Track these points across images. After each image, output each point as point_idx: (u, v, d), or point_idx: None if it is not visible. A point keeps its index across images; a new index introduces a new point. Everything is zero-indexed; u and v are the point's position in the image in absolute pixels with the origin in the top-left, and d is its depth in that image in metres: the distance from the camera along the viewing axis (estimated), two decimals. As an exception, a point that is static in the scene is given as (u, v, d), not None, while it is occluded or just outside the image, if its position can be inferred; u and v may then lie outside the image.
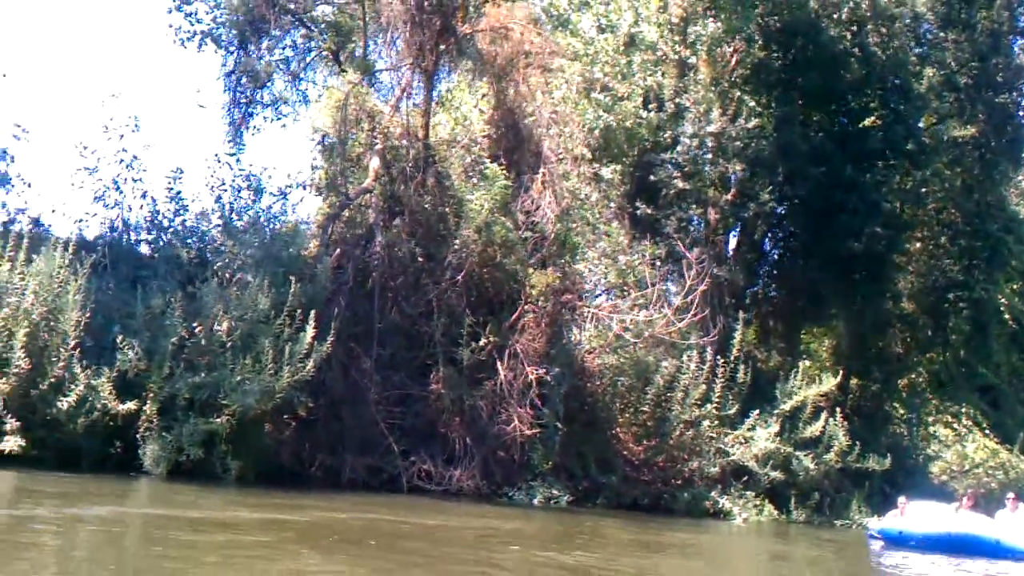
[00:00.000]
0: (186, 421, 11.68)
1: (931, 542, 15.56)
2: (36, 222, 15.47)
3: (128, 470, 11.62)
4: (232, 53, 18.62)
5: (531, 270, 15.74)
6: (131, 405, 11.48)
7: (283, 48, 19.46)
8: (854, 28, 21.91)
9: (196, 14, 19.43)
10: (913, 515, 16.31)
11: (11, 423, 10.22)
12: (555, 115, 17.57)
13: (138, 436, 11.60)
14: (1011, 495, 17.53)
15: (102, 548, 6.86)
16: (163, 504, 10.11)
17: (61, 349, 10.82)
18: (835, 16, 21.70)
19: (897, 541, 15.93)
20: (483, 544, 9.82)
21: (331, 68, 19.46)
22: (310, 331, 12.48)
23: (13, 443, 10.06)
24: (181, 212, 14.69)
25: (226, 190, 14.98)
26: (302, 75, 19.84)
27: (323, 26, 19.13)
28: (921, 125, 22.73)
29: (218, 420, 11.88)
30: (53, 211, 14.36)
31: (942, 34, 23.01)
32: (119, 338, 11.64)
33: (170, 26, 19.59)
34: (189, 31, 19.55)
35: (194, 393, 11.87)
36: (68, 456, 11.05)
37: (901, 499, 17.20)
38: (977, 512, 16.81)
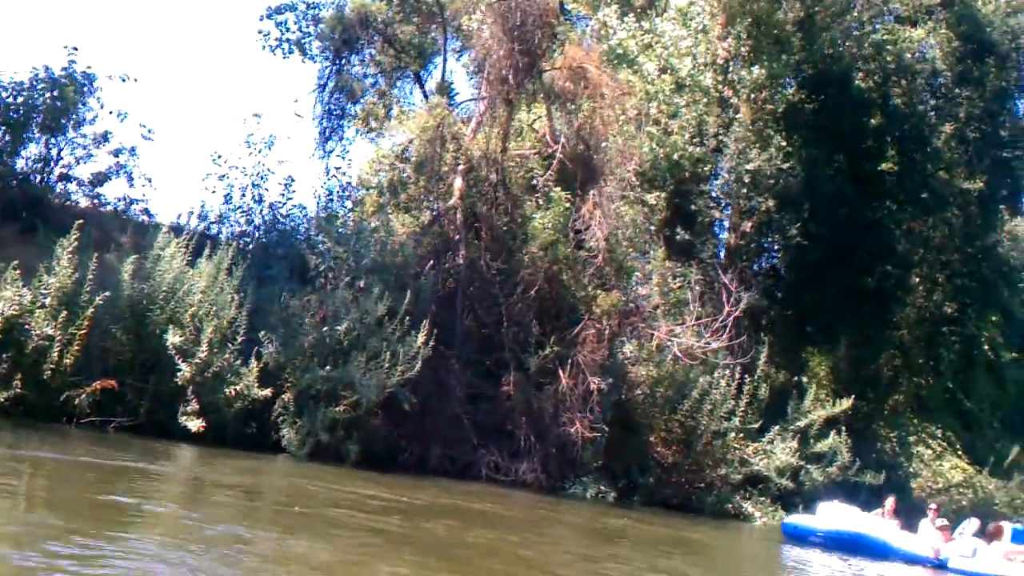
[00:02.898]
0: (317, 409, 13.43)
1: (826, 539, 16.72)
2: (147, 212, 17.32)
3: (261, 448, 13.34)
4: (326, 67, 20.18)
5: (599, 291, 17.59)
6: (268, 392, 13.19)
7: (372, 66, 21.14)
8: (879, 80, 23.97)
9: (286, 23, 21.04)
10: (821, 514, 17.47)
11: (193, 405, 11.95)
12: (613, 145, 19.38)
13: (276, 420, 13.35)
14: (933, 505, 19.07)
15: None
16: (306, 477, 12.00)
17: (228, 343, 12.51)
18: (864, 67, 23.76)
19: (795, 536, 17.05)
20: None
21: (412, 88, 21.18)
22: (421, 336, 14.30)
23: (198, 424, 11.80)
24: (297, 219, 16.43)
25: (332, 200, 16.70)
26: (388, 92, 21.57)
27: (407, 47, 20.79)
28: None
29: (337, 409, 13.64)
30: (191, 213, 15.89)
31: (956, 90, 25.11)
32: (261, 333, 13.37)
33: (259, 32, 21.23)
34: (277, 38, 21.18)
35: (322, 385, 13.62)
36: (216, 434, 12.73)
37: (824, 503, 18.21)
38: (896, 519, 18.03)
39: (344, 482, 12.14)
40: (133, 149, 16.57)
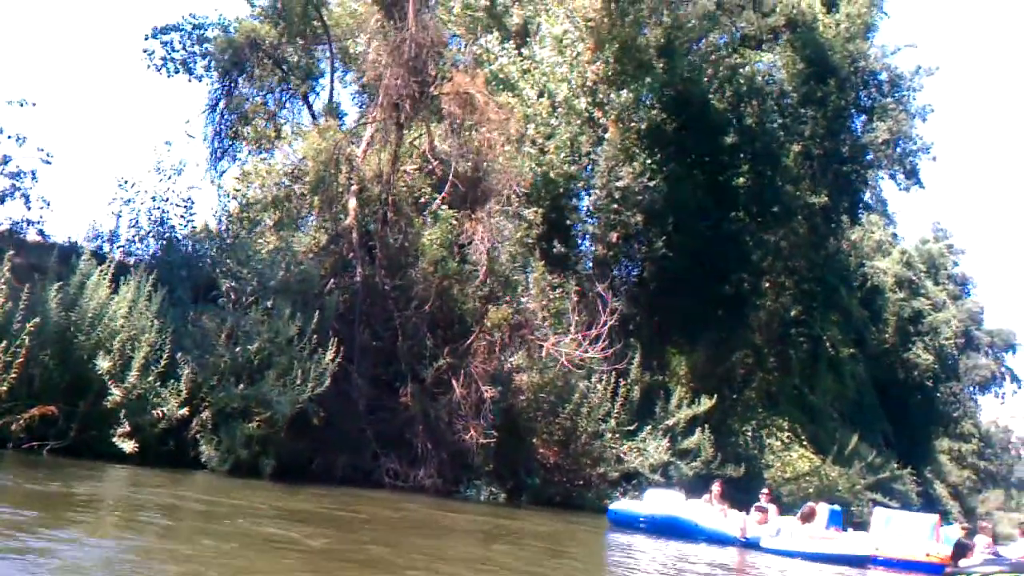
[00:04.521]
0: (235, 426, 14.11)
1: (648, 523, 17.41)
2: (41, 232, 17.59)
3: (179, 465, 13.90)
4: (216, 88, 20.61)
5: (489, 305, 18.70)
6: (185, 411, 13.78)
7: (261, 87, 21.67)
8: (733, 101, 25.93)
9: (172, 43, 21.38)
10: (646, 500, 18.32)
11: (125, 426, 12.50)
12: (494, 164, 20.51)
13: (195, 437, 13.95)
14: (765, 490, 20.56)
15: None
16: (222, 493, 12.51)
17: (152, 367, 13.08)
18: (720, 89, 25.66)
19: (620, 522, 17.75)
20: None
21: (301, 109, 21.84)
22: (330, 354, 15.15)
23: (132, 445, 12.37)
24: (198, 241, 16.93)
25: (233, 222, 17.27)
26: (278, 114, 22.16)
27: (294, 68, 21.43)
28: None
29: (252, 426, 14.35)
30: (98, 237, 16.19)
31: (802, 109, 27.34)
32: (178, 355, 13.94)
33: (144, 51, 21.49)
34: (163, 58, 21.50)
35: (238, 403, 14.30)
36: (141, 454, 13.14)
37: (650, 490, 19.37)
38: (724, 503, 18.84)
39: (249, 494, 12.53)
40: (34, 173, 16.74)
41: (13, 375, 11.60)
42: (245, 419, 14.31)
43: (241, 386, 14.45)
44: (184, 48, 21.61)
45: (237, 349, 14.74)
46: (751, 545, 17.72)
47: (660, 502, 17.97)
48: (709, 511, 18.33)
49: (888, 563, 17.83)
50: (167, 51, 21.34)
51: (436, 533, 13.09)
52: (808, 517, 18.39)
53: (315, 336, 15.47)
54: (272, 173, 20.61)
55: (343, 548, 9.59)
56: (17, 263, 14.90)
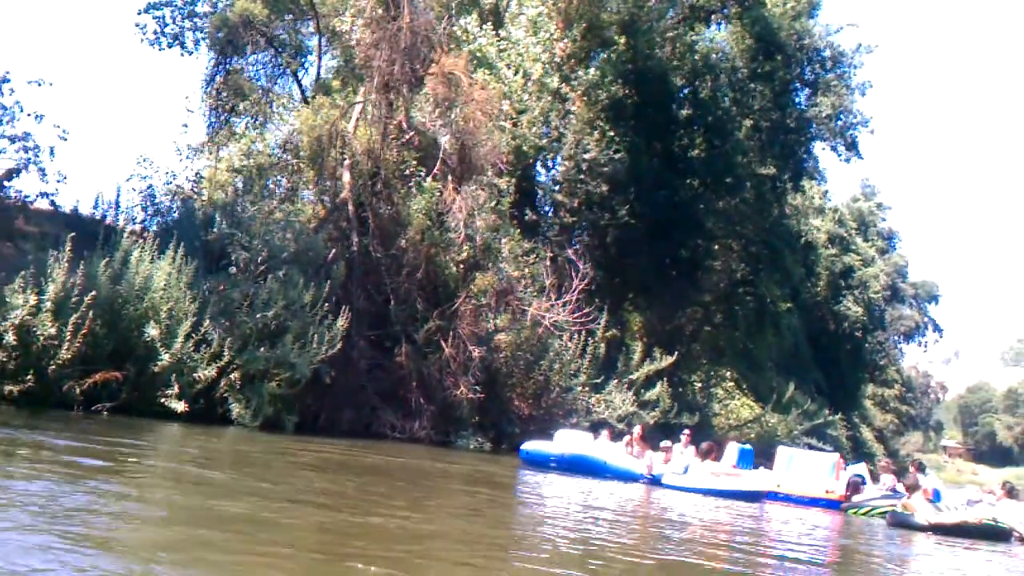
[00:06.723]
0: (260, 386, 15.61)
1: (559, 462, 17.75)
2: (52, 203, 18.76)
3: (209, 422, 15.36)
4: (212, 64, 21.70)
5: (475, 272, 20.30)
6: (213, 372, 15.23)
7: (255, 65, 22.82)
8: (689, 76, 27.64)
9: (164, 18, 22.42)
10: (557, 440, 18.45)
11: (175, 388, 13.93)
12: (478, 139, 21.96)
13: (223, 397, 15.42)
14: (687, 431, 21.07)
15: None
16: (254, 443, 14.00)
17: (193, 334, 14.51)
18: (677, 65, 27.33)
19: (531, 461, 18.05)
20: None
21: (291, 84, 23.02)
22: (341, 320, 16.69)
23: (182, 405, 13.82)
24: (208, 211, 18.22)
25: (240, 195, 18.57)
26: (270, 90, 23.28)
27: (284, 46, 22.59)
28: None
29: (272, 385, 15.86)
30: (118, 208, 17.42)
31: (751, 84, 29.14)
32: (207, 321, 15.34)
33: (137, 25, 22.49)
34: (155, 32, 22.52)
35: (263, 364, 15.78)
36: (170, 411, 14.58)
37: (561, 431, 19.38)
38: (644, 444, 19.37)
39: (265, 444, 13.77)
40: (52, 149, 17.83)
41: (78, 344, 12.96)
42: (270, 380, 15.81)
43: (263, 349, 15.93)
44: (175, 23, 22.68)
45: (258, 316, 16.18)
46: (655, 482, 18.42)
47: (570, 442, 18.38)
48: (616, 450, 18.97)
49: (786, 498, 19.14)
50: (159, 25, 22.41)
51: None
52: (707, 453, 18.89)
53: (325, 304, 16.97)
54: (266, 144, 21.83)
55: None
56: (28, 231, 16.29)
